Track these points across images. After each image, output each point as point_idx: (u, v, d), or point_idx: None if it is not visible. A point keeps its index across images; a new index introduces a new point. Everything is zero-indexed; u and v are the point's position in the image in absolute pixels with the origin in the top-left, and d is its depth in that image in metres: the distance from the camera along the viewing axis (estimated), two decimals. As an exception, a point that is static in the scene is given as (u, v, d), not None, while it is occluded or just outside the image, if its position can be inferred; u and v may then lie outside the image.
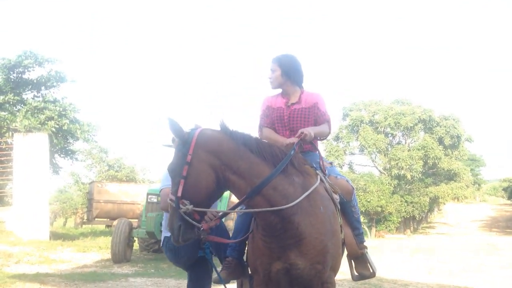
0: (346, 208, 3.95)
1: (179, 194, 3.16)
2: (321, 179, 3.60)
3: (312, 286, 3.36)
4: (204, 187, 3.20)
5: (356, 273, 4.09)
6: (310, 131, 3.84)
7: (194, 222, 3.14)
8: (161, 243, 4.87)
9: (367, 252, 4.10)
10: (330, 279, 3.41)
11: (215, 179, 3.21)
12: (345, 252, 4.04)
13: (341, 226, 3.71)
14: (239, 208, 3.44)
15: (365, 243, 4.18)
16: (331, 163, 4.20)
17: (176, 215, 3.15)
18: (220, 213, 3.49)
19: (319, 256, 3.29)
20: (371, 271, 4.06)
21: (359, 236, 4.08)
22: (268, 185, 3.21)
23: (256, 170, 3.24)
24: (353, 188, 4.03)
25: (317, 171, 3.72)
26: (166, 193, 4.57)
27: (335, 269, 3.49)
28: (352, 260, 4.12)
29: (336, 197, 3.72)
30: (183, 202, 3.13)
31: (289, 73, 4.21)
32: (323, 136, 4.23)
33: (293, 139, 3.78)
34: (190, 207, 3.12)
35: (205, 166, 3.20)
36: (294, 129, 4.12)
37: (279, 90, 4.32)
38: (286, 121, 4.18)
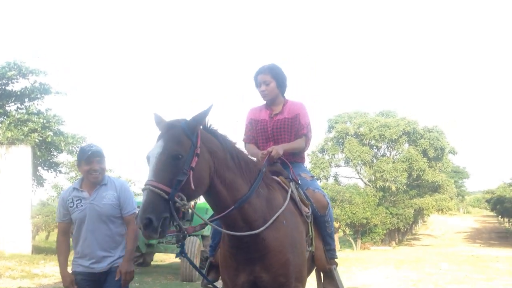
0: (319, 222, 3.92)
1: (188, 184, 2.84)
2: (292, 191, 3.63)
3: None
4: (202, 186, 3.00)
5: (323, 287, 4.09)
6: (277, 149, 3.86)
7: (179, 222, 2.87)
8: None
9: (335, 269, 4.07)
10: None
11: (209, 181, 3.05)
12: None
13: (311, 238, 3.74)
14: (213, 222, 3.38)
15: (336, 260, 4.16)
16: (312, 177, 4.19)
17: (165, 206, 2.75)
18: (203, 222, 3.31)
19: (281, 269, 3.30)
20: None
21: (330, 251, 4.05)
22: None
23: (237, 184, 3.21)
24: (328, 203, 3.99)
25: (291, 183, 3.74)
26: None
27: (301, 279, 3.46)
28: (321, 273, 4.12)
29: (306, 210, 3.72)
30: (180, 196, 2.82)
31: (282, 84, 4.23)
32: (298, 151, 4.22)
33: (264, 152, 3.84)
34: (189, 204, 2.86)
35: (206, 165, 3.02)
36: (277, 140, 4.15)
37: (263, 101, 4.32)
38: (269, 133, 4.18)
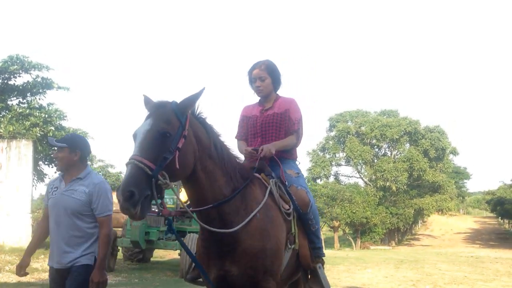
0: (303, 220, 3.88)
1: (173, 164, 2.83)
2: (271, 188, 3.63)
3: None
4: (186, 169, 3.00)
5: (308, 286, 4.00)
6: (270, 148, 3.84)
7: (157, 201, 2.82)
8: None
9: (320, 267, 4.00)
10: (266, 283, 3.37)
11: (192, 166, 3.05)
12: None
13: (294, 236, 3.71)
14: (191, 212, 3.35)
15: (323, 258, 4.11)
16: (298, 173, 4.12)
17: (148, 183, 2.71)
18: (182, 209, 3.28)
19: (250, 262, 3.28)
20: (321, 287, 3.94)
21: (315, 250, 3.99)
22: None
23: (216, 174, 3.22)
24: (311, 201, 3.92)
25: (271, 180, 3.72)
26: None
27: (271, 273, 3.39)
28: (308, 272, 4.02)
29: (286, 207, 3.69)
30: (163, 174, 2.78)
31: (277, 81, 4.20)
32: (289, 148, 4.18)
33: (248, 149, 3.90)
34: (172, 184, 2.83)
35: (191, 148, 3.03)
36: (266, 135, 4.11)
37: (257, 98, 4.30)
38: (258, 128, 4.15)
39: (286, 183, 3.90)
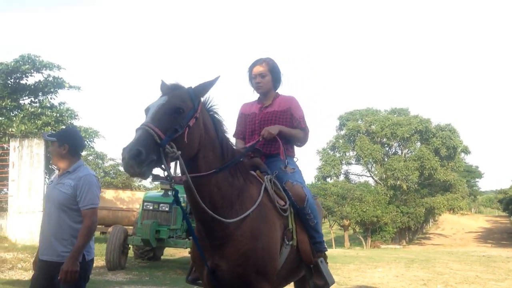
0: (300, 215, 3.86)
1: (182, 138, 2.91)
2: (266, 185, 3.65)
3: None
4: (192, 148, 3.05)
5: (312, 282, 3.95)
6: (269, 129, 3.88)
7: (168, 168, 2.85)
8: None
9: (322, 262, 3.96)
10: (258, 284, 3.35)
11: (196, 150, 3.11)
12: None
13: (292, 232, 3.71)
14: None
15: (325, 252, 4.10)
16: (294, 169, 4.08)
17: (155, 149, 2.74)
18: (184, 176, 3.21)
19: (240, 259, 3.28)
20: (325, 282, 3.91)
21: (316, 244, 3.96)
22: (213, 180, 3.21)
23: (215, 167, 3.24)
24: (307, 195, 3.88)
25: (266, 177, 3.74)
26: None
27: (264, 274, 3.38)
28: (311, 268, 3.99)
29: (282, 203, 3.69)
30: (171, 144, 2.82)
31: (277, 79, 4.21)
32: (296, 141, 4.19)
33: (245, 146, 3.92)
34: (179, 153, 2.86)
35: (198, 132, 3.11)
36: None
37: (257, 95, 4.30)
38: (257, 125, 4.15)
39: (287, 163, 3.95)
